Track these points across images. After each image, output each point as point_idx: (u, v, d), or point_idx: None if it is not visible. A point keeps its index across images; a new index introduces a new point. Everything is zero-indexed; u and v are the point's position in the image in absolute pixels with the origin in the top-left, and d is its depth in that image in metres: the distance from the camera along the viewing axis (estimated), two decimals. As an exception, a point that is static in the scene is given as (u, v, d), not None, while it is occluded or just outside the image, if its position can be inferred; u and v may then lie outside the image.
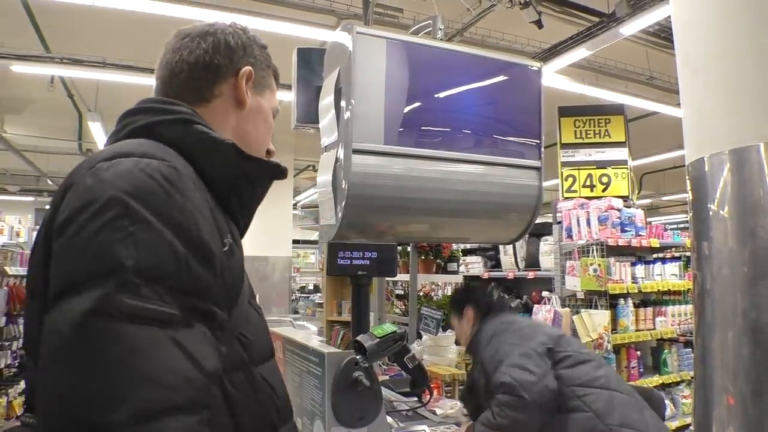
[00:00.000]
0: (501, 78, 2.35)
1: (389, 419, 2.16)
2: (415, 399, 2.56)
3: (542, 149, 2.44)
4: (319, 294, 9.55)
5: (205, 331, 0.76)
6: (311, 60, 2.48)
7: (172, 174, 0.78)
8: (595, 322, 4.42)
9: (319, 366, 1.77)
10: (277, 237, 10.01)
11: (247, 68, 1.10)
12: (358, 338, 1.26)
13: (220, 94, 1.08)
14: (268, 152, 1.18)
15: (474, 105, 2.33)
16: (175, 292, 0.72)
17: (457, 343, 3.67)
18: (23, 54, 5.53)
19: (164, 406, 0.66)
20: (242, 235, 1.04)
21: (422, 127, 2.21)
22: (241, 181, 0.97)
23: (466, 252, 6.49)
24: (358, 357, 1.23)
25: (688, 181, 1.41)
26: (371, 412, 1.34)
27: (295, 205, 6.93)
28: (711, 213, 1.27)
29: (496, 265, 6.17)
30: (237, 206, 0.98)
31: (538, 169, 2.45)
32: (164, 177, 0.76)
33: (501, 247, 6.19)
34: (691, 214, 1.38)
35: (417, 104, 2.15)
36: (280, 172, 1.06)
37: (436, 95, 2.26)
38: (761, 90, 1.22)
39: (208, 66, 1.07)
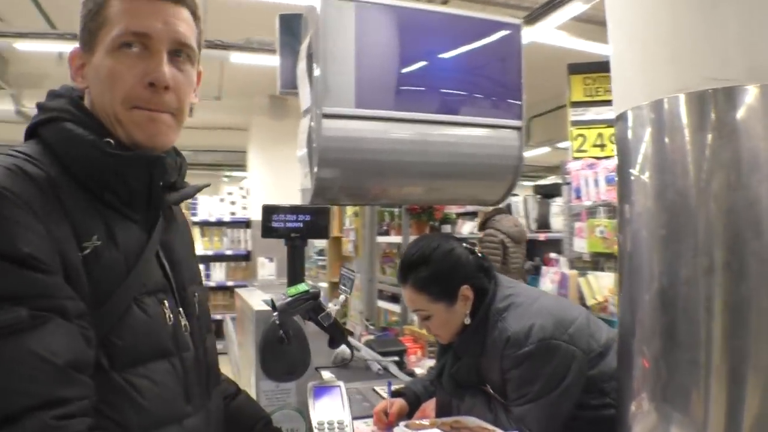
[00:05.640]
0: (478, 37, 2.30)
1: (328, 374, 2.22)
2: (396, 359, 2.60)
3: (523, 109, 2.38)
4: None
5: (63, 323, 0.77)
6: (293, 26, 2.46)
7: None
8: (600, 284, 4.37)
9: (253, 323, 1.82)
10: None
11: (74, 50, 0.97)
12: (272, 297, 1.30)
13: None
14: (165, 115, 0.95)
15: (451, 66, 2.28)
16: (9, 300, 0.74)
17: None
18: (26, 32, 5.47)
19: (17, 410, 0.70)
20: (152, 225, 0.96)
21: (396, 90, 2.18)
22: (109, 177, 0.90)
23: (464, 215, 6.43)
24: (274, 315, 1.27)
25: (614, 140, 1.39)
26: (299, 368, 1.38)
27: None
28: (632, 173, 1.25)
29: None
30: (116, 202, 0.92)
31: (519, 128, 2.40)
32: None
33: (514, 208, 6.15)
34: (616, 175, 1.37)
35: (391, 67, 2.12)
36: (151, 164, 0.93)
37: (411, 57, 2.23)
38: (681, 36, 1.19)
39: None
